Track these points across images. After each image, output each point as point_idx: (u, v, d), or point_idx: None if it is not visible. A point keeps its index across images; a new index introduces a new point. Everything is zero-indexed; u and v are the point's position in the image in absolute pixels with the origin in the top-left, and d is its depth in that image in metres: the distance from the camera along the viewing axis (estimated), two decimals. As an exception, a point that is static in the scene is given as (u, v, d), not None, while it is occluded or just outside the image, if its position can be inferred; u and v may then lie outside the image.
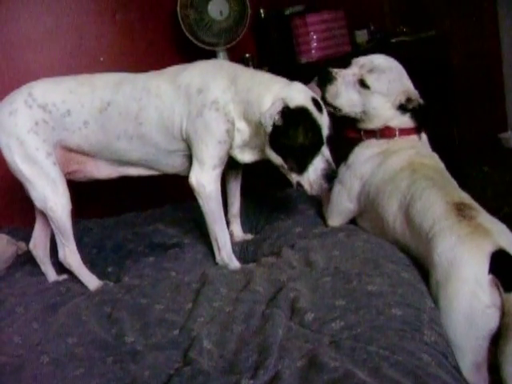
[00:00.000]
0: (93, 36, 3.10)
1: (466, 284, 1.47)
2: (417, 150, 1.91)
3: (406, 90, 1.94)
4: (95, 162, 2.03)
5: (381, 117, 1.95)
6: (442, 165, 1.90)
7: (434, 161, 1.91)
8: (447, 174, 1.85)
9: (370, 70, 1.93)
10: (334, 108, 1.98)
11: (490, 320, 1.44)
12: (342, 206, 2.03)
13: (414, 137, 1.96)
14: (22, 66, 2.95)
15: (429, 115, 1.95)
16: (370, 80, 1.93)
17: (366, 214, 1.97)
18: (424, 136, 1.99)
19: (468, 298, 1.46)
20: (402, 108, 1.93)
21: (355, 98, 1.96)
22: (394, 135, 1.95)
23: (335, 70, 1.99)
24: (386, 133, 1.96)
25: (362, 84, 1.94)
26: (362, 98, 1.95)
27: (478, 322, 1.45)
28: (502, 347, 1.41)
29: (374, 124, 1.97)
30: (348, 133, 2.05)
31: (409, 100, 1.92)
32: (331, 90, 1.98)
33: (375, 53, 2.04)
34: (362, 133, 2.01)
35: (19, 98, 1.91)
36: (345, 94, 1.96)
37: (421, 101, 1.93)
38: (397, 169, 1.85)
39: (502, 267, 1.45)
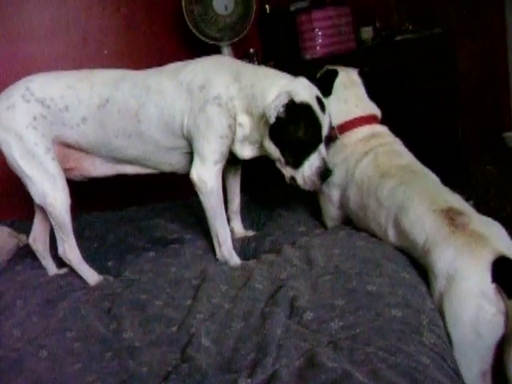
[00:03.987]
0: (97, 29, 3.10)
1: (471, 296, 1.44)
2: (369, 146, 1.89)
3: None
4: (92, 159, 2.02)
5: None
6: (407, 154, 1.88)
7: (398, 153, 1.88)
8: (419, 166, 1.82)
9: None
10: None
11: (496, 328, 1.42)
12: (330, 212, 2.06)
13: (360, 129, 1.96)
14: (25, 60, 2.95)
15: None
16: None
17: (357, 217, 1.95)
18: (379, 127, 1.98)
19: (474, 310, 1.43)
20: None
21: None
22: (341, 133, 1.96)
23: None
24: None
25: None
26: None
27: (486, 331, 1.43)
28: (507, 350, 1.39)
29: None
30: None
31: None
32: None
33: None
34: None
35: (17, 93, 1.89)
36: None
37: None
38: (365, 178, 1.84)
39: (503, 274, 1.43)
